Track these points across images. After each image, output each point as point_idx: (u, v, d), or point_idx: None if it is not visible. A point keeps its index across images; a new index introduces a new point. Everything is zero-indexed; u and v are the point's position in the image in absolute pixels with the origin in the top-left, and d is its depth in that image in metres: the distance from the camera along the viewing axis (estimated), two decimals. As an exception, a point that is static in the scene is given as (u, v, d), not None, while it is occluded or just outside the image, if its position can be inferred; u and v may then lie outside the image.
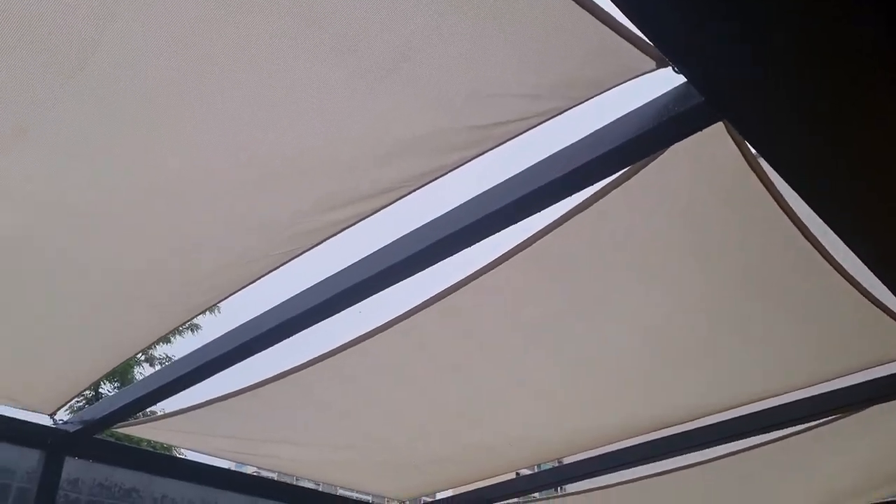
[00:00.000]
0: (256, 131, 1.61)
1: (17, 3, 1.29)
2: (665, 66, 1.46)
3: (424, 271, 1.94)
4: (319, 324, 2.13)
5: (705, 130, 1.58)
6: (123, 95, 1.47)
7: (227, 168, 1.69)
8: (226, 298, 2.21)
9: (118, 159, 1.64)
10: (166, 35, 1.37)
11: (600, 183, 1.82)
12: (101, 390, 14.34)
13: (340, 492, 4.48)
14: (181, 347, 16.95)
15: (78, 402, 11.07)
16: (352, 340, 2.53)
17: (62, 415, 2.80)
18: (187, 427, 3.00)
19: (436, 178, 1.80)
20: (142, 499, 9.47)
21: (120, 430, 2.95)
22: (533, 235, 2.11)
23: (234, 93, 1.51)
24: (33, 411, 2.73)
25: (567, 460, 3.81)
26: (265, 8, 1.35)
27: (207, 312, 13.37)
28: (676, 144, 1.68)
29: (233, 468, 4.19)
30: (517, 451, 3.56)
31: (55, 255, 1.92)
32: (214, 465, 3.59)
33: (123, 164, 1.65)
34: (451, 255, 1.88)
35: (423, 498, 4.60)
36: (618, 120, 1.60)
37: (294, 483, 4.10)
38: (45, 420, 2.77)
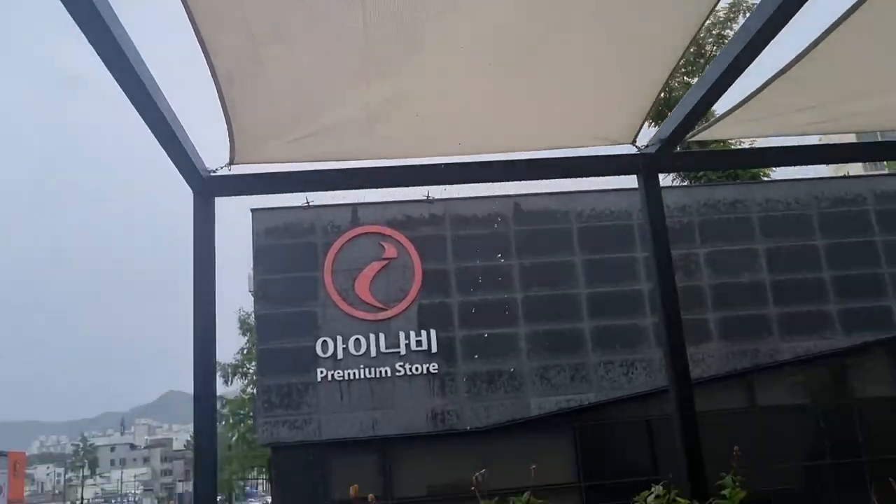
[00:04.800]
0: None
1: None
2: None
3: None
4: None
5: None
6: None
7: None
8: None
9: None
10: None
11: None
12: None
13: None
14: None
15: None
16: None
17: (641, 141, 3.05)
18: (755, 115, 2.96)
19: None
20: (746, 207, 10.12)
21: (695, 140, 3.09)
22: None
23: None
24: (618, 144, 3.06)
25: None
26: None
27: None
28: None
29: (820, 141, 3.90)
30: None
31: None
32: (803, 143, 3.44)
33: None
34: None
35: None
36: None
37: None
38: (630, 150, 3.07)
